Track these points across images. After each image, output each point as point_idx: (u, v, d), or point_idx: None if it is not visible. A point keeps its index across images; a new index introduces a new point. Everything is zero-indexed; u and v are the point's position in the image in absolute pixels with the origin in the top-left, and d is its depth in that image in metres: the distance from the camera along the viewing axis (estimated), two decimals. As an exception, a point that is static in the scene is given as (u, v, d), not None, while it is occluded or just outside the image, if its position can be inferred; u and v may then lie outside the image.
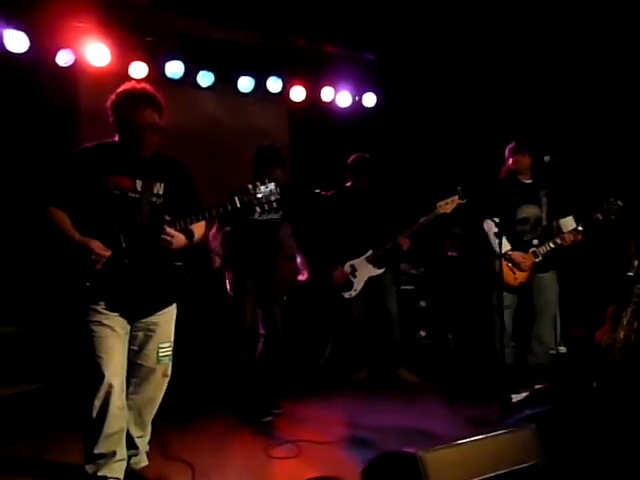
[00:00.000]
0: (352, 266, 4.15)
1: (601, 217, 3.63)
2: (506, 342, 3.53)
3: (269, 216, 3.50)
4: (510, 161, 3.89)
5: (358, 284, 4.14)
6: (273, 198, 2.51)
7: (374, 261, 4.14)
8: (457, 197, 3.85)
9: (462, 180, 4.12)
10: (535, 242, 3.80)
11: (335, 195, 4.24)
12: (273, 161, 3.46)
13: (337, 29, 4.77)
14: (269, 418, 3.46)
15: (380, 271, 4.17)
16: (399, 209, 4.31)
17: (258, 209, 3.33)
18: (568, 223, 3.82)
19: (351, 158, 4.21)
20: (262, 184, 2.51)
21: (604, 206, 3.64)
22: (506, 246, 3.78)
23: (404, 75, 5.35)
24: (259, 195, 2.49)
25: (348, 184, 4.26)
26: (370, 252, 4.14)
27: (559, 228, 3.85)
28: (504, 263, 3.76)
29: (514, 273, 3.72)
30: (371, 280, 4.15)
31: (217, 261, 3.63)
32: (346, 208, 4.16)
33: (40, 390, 3.83)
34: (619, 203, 3.60)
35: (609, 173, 4.39)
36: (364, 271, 4.15)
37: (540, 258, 3.76)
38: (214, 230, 3.56)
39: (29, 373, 3.90)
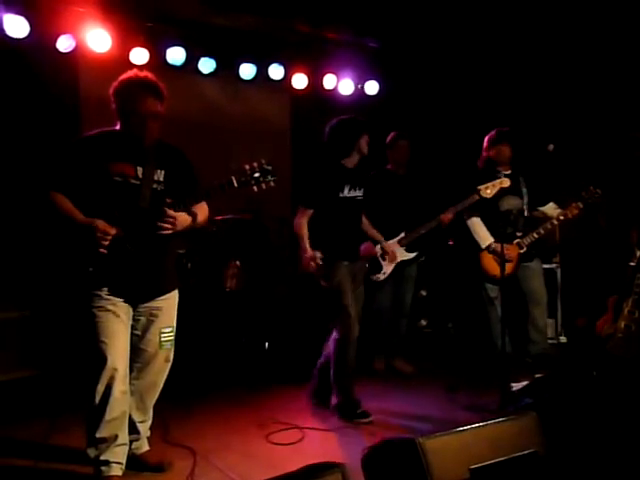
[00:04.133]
0: (383, 248, 3.93)
1: (581, 205, 3.65)
2: (499, 332, 3.52)
3: (355, 193, 3.38)
4: (491, 152, 3.88)
5: (387, 267, 3.96)
6: (270, 178, 2.50)
7: (406, 244, 4.01)
8: (499, 182, 3.60)
9: (466, 169, 4.11)
10: (518, 233, 3.80)
11: (374, 177, 4.04)
12: (363, 128, 3.35)
13: (340, 15, 4.72)
14: (368, 419, 3.24)
15: (412, 255, 4.03)
16: (433, 193, 4.19)
17: (346, 187, 3.27)
18: (551, 210, 3.84)
19: (394, 136, 4.13)
20: (259, 165, 2.50)
21: (582, 194, 3.66)
22: (489, 239, 3.79)
23: (407, 63, 5.31)
24: (256, 175, 2.49)
25: (388, 166, 4.17)
26: (402, 234, 3.99)
27: (544, 216, 3.86)
28: (489, 256, 3.78)
29: (499, 265, 3.71)
30: (400, 265, 3.99)
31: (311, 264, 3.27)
32: (382, 190, 4.03)
33: (43, 375, 3.85)
34: (598, 191, 3.62)
35: (587, 161, 4.40)
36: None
37: (524, 249, 3.78)
38: (298, 217, 3.32)
39: (32, 358, 3.92)
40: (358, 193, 3.39)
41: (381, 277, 4.01)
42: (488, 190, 3.64)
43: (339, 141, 3.34)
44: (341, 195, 3.30)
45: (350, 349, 3.30)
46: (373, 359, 4.19)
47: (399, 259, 3.96)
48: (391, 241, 3.99)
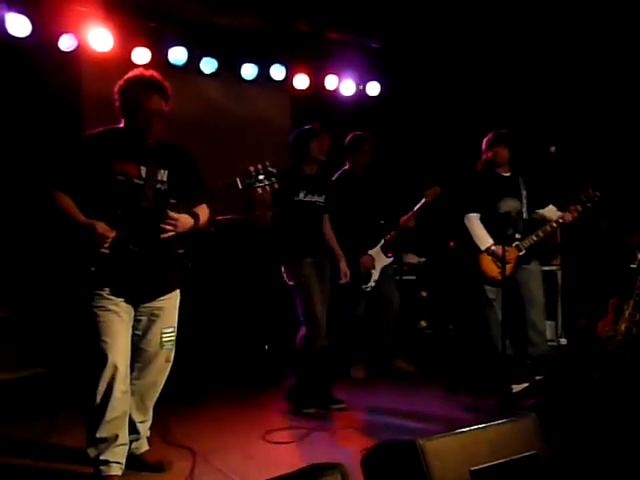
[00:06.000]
0: (370, 256, 4.05)
1: (580, 208, 3.66)
2: (498, 334, 3.52)
3: (313, 198, 3.49)
4: (489, 154, 3.88)
5: (376, 274, 4.06)
6: (274, 180, 2.51)
7: (385, 250, 4.09)
8: (438, 187, 3.93)
9: (464, 169, 4.11)
10: (517, 236, 3.81)
11: (339, 180, 4.11)
12: (313, 134, 3.48)
13: (342, 16, 4.72)
14: (313, 410, 3.36)
15: (390, 260, 4.11)
16: (403, 197, 4.25)
17: (302, 192, 3.36)
18: (551, 212, 3.84)
19: (347, 138, 4.14)
20: (263, 167, 2.50)
21: (581, 196, 3.66)
22: (489, 241, 3.79)
23: (409, 64, 5.31)
24: (260, 177, 2.49)
25: (346, 167, 4.15)
26: (383, 241, 4.07)
27: (543, 219, 3.86)
28: (488, 258, 3.79)
29: (498, 267, 3.70)
30: (383, 270, 4.08)
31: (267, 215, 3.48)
32: (352, 194, 4.06)
33: (43, 374, 3.85)
34: (597, 193, 3.62)
35: (589, 164, 4.40)
36: (379, 261, 4.07)
37: (523, 251, 3.78)
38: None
39: (32, 357, 3.92)
40: (318, 199, 3.51)
41: (373, 284, 4.09)
42: (429, 196, 3.92)
43: (294, 149, 3.50)
44: (296, 199, 3.41)
45: (316, 344, 3.37)
46: (350, 367, 4.17)
47: (382, 265, 4.09)
48: (375, 248, 4.09)
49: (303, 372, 3.44)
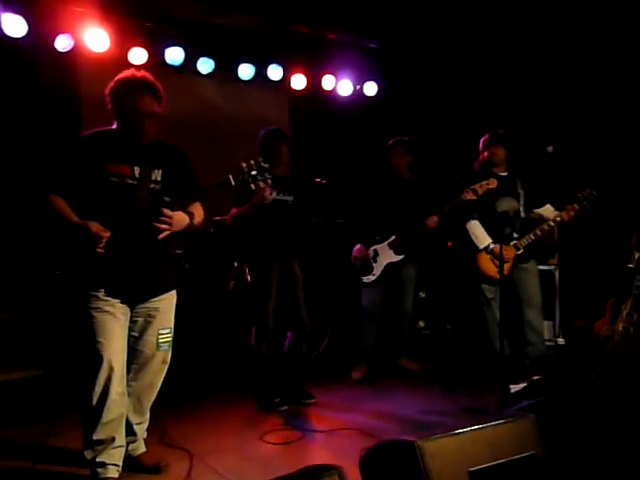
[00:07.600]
0: (375, 250, 4.09)
1: (577, 207, 3.66)
2: (496, 333, 3.52)
3: (284, 197, 3.54)
4: (485, 154, 3.89)
5: (377, 269, 4.08)
6: (267, 176, 2.51)
7: (395, 247, 4.09)
8: (485, 183, 3.69)
9: (462, 171, 4.10)
10: (515, 235, 3.81)
11: (372, 180, 4.20)
12: (279, 137, 3.56)
13: (339, 16, 4.71)
14: (285, 407, 3.48)
15: (399, 258, 4.09)
16: (426, 196, 4.23)
17: (274, 191, 3.33)
18: (548, 211, 3.84)
19: (389, 143, 4.18)
20: (256, 163, 2.51)
21: (578, 196, 3.66)
22: (487, 240, 3.79)
23: (406, 65, 5.31)
24: (253, 173, 2.50)
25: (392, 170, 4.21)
26: (393, 237, 4.09)
27: (540, 218, 3.86)
28: (486, 257, 3.79)
29: (496, 266, 3.71)
30: (390, 267, 4.09)
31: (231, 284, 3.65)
32: (379, 193, 4.13)
33: (40, 376, 3.83)
34: (594, 193, 3.63)
35: (586, 163, 4.39)
36: (384, 256, 4.09)
37: (521, 250, 3.78)
38: (233, 211, 3.48)
39: (29, 359, 3.90)
40: (288, 197, 3.58)
41: (371, 278, 4.10)
42: (473, 192, 3.71)
43: (262, 150, 3.53)
44: None
45: (264, 343, 3.53)
46: (352, 368, 4.16)
47: (387, 261, 4.09)
48: (382, 244, 4.09)
49: (261, 370, 3.55)
